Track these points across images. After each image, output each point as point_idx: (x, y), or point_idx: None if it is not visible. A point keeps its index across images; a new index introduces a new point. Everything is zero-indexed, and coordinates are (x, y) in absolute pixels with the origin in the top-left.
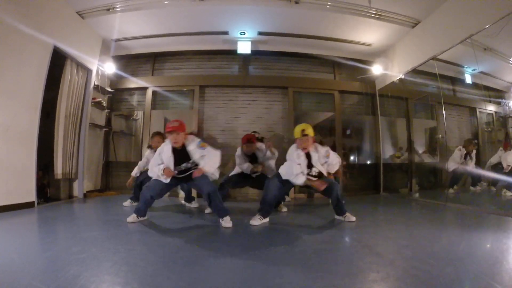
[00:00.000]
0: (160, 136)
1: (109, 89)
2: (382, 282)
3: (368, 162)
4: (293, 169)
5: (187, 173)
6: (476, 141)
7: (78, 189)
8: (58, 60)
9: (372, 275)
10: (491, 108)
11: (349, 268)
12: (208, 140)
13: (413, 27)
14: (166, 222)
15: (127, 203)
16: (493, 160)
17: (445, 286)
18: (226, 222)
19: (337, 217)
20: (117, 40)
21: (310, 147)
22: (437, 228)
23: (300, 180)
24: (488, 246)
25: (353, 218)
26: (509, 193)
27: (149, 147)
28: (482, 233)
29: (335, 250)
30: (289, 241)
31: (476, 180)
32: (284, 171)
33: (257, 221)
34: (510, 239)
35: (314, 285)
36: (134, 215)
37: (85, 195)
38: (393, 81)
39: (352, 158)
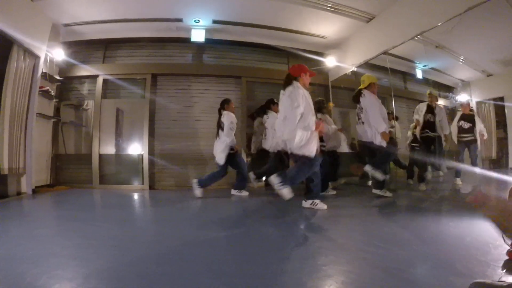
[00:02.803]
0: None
1: (58, 77)
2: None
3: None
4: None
5: None
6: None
7: (26, 184)
8: (4, 45)
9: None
10: (440, 102)
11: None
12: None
13: (368, 21)
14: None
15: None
16: None
17: (393, 265)
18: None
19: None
20: (67, 25)
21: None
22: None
23: None
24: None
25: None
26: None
27: None
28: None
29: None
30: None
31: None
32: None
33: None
34: (454, 221)
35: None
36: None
37: (34, 191)
38: (346, 73)
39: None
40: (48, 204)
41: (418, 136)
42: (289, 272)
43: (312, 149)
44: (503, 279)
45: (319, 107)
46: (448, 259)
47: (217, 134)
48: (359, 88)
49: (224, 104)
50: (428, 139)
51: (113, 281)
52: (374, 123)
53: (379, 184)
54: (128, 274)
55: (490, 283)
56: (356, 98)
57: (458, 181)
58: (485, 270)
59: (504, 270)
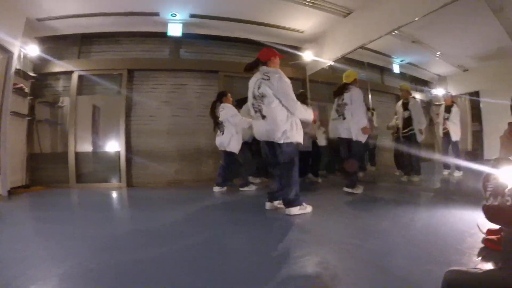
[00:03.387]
0: None
1: (32, 74)
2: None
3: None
4: None
5: None
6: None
7: (1, 186)
8: None
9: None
10: (417, 96)
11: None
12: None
13: (345, 16)
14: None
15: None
16: None
17: (369, 256)
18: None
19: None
20: (41, 20)
21: None
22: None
23: None
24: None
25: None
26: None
27: None
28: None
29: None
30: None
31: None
32: None
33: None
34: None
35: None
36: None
37: (10, 192)
38: (323, 68)
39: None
40: (24, 205)
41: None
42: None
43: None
44: (479, 266)
45: (303, 100)
46: (425, 248)
47: (218, 129)
48: (344, 82)
49: (222, 97)
50: (410, 137)
51: (89, 281)
52: (359, 118)
53: (352, 183)
54: (105, 274)
55: (466, 270)
56: (340, 92)
57: (446, 172)
58: (461, 258)
59: (480, 258)
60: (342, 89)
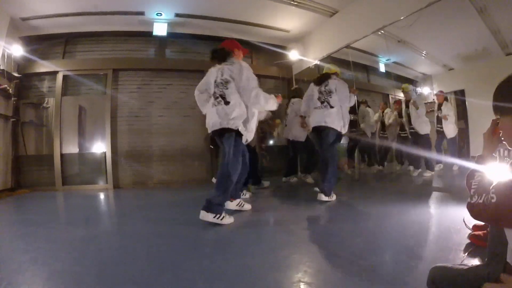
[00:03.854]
0: None
1: (16, 74)
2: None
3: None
4: None
5: None
6: None
7: None
8: None
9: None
10: (401, 94)
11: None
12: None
13: (331, 16)
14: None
15: None
16: None
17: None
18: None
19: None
20: (25, 19)
21: None
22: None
23: None
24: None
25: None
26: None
27: None
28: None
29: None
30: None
31: None
32: None
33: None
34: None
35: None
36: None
37: None
38: (309, 67)
39: (270, 141)
40: (8, 209)
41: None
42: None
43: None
44: (465, 262)
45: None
46: (410, 245)
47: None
48: (327, 72)
49: None
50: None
51: (72, 284)
52: (347, 111)
53: (329, 189)
54: (88, 276)
55: (450, 267)
56: (324, 79)
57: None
58: (447, 254)
59: (466, 254)
60: (325, 76)
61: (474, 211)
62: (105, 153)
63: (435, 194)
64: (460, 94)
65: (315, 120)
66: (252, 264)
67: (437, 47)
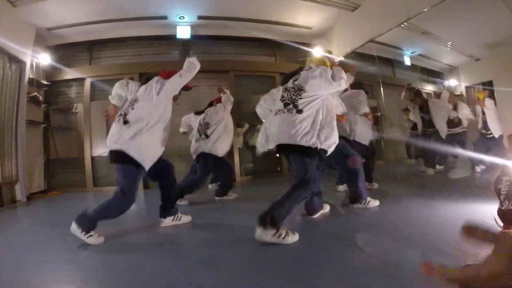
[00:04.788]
0: None
1: (45, 82)
2: None
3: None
4: None
5: None
6: None
7: (20, 192)
8: None
9: None
10: (429, 88)
11: None
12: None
13: (353, 10)
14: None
15: None
16: None
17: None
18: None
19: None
20: (51, 29)
21: None
22: None
23: None
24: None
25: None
26: None
27: None
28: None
29: None
30: None
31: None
32: None
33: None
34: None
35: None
36: None
37: (28, 198)
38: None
39: None
40: (43, 210)
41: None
42: None
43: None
44: None
45: None
46: (439, 243)
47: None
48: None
49: None
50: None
51: (110, 281)
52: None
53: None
54: (124, 277)
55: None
56: (294, 72)
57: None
58: (478, 254)
59: None
60: (297, 69)
61: (507, 218)
62: None
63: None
64: (488, 85)
65: (272, 132)
66: None
67: (462, 37)
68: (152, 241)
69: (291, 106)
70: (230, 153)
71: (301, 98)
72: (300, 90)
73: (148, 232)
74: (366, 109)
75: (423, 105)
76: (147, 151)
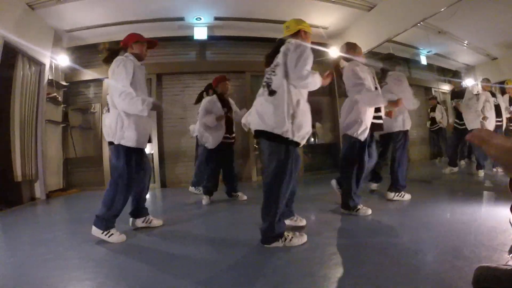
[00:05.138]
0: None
1: (64, 83)
2: None
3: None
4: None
5: None
6: None
7: (40, 190)
8: (8, 56)
9: None
10: (446, 87)
11: None
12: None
13: (369, 10)
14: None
15: None
16: None
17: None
18: None
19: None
20: (69, 31)
21: None
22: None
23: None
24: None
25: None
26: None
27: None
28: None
29: None
30: None
31: None
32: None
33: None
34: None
35: None
36: None
37: (47, 196)
38: None
39: (311, 138)
40: (62, 207)
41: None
42: None
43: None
44: (510, 263)
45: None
46: (455, 245)
47: None
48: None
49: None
50: None
51: (133, 277)
52: (297, 74)
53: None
54: (143, 275)
55: (495, 266)
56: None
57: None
58: (491, 255)
59: (511, 255)
60: (278, 44)
61: None
62: (152, 153)
63: (480, 193)
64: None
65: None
66: None
67: (479, 36)
68: (174, 238)
69: (265, 87)
70: (247, 151)
71: (275, 76)
72: (276, 66)
73: (169, 228)
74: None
75: None
76: None
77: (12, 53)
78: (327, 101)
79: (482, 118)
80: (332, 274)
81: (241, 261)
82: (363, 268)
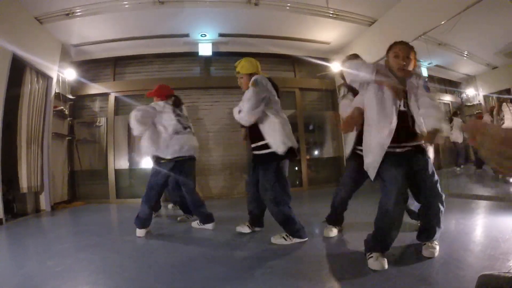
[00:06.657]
0: None
1: (71, 96)
2: None
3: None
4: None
5: None
6: None
7: (45, 202)
8: (17, 69)
9: None
10: (447, 98)
11: None
12: None
13: (370, 25)
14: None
15: None
16: None
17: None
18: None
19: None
20: (77, 45)
21: None
22: None
23: None
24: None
25: None
26: None
27: None
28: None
29: None
30: None
31: None
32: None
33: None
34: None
35: None
36: None
37: (52, 208)
38: None
39: (315, 152)
40: (67, 220)
41: None
42: None
43: None
44: None
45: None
46: (457, 254)
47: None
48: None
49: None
50: None
51: None
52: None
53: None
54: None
55: (497, 275)
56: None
57: None
58: (494, 264)
59: None
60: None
61: None
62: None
63: (484, 203)
64: (506, 94)
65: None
66: None
67: (478, 46)
68: (194, 248)
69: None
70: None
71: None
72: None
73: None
74: None
75: None
76: None
77: (20, 67)
78: (331, 115)
79: None
80: (332, 283)
81: None
82: (365, 277)
